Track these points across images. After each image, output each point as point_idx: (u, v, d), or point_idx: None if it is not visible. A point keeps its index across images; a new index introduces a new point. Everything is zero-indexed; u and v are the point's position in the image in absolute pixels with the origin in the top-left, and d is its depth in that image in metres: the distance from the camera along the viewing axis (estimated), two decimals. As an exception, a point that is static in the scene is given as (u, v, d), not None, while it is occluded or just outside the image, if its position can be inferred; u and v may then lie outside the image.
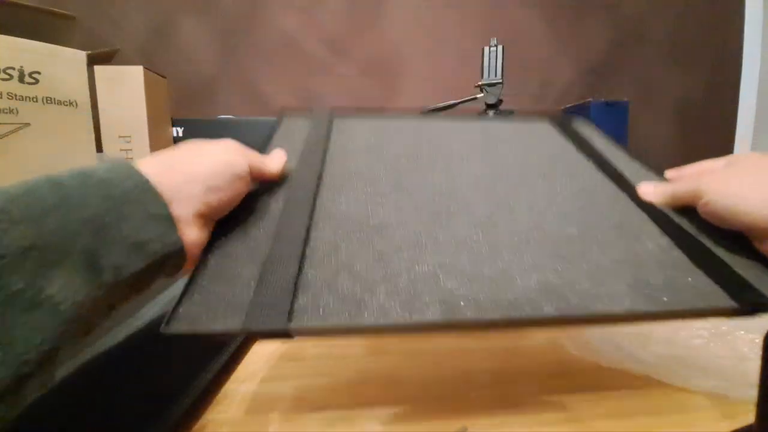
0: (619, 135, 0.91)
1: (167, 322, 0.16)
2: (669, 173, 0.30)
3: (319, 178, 0.28)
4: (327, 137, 0.35)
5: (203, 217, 0.20)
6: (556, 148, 0.36)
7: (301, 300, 0.18)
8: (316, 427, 0.25)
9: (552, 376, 0.33)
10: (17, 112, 0.50)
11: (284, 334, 0.17)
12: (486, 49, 0.77)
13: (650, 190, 0.28)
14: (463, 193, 0.28)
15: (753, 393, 0.21)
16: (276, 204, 0.25)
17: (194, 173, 0.20)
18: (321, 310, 0.17)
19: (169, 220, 0.18)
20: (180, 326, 0.16)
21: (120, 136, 0.65)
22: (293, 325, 0.16)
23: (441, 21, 1.06)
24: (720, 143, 1.15)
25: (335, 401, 0.27)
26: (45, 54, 0.52)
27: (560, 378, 0.32)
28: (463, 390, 0.24)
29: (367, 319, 0.17)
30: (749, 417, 0.21)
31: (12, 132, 0.50)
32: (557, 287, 0.19)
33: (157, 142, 0.69)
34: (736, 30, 1.13)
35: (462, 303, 0.18)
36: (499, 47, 0.77)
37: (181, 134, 0.78)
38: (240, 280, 0.19)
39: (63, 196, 0.16)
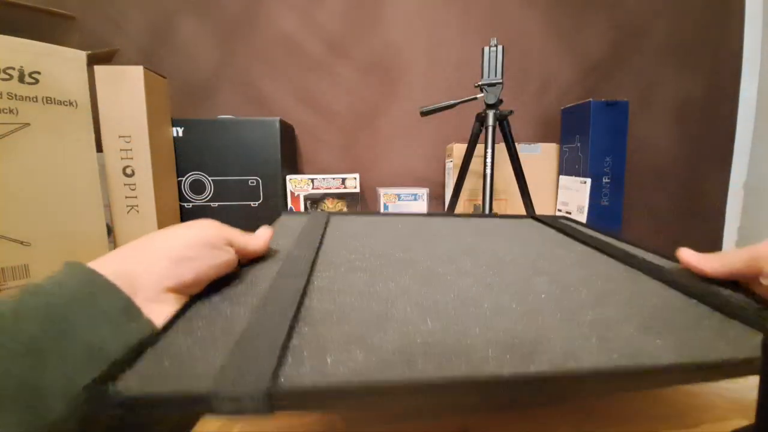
0: (619, 135, 0.91)
1: (107, 379, 0.13)
2: (687, 257, 0.28)
3: (315, 256, 0.28)
4: (324, 226, 0.37)
5: (177, 291, 0.19)
6: (544, 234, 0.40)
7: (290, 359, 0.15)
8: (317, 426, 0.25)
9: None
10: (17, 112, 0.50)
11: (264, 406, 0.13)
12: (486, 49, 0.77)
13: (695, 258, 0.26)
14: (459, 258, 0.29)
15: (753, 393, 0.21)
16: (266, 281, 0.23)
17: (160, 249, 0.19)
18: (313, 368, 0.15)
19: (127, 309, 0.16)
20: (130, 385, 0.13)
21: (120, 136, 0.65)
22: (279, 386, 0.13)
23: (441, 21, 1.06)
24: (720, 143, 1.15)
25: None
26: (45, 54, 0.52)
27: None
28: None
29: (370, 375, 0.14)
30: (749, 417, 0.21)
31: (12, 132, 0.50)
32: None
33: (157, 142, 0.69)
34: (736, 30, 1.13)
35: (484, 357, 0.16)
36: (499, 47, 0.77)
37: (181, 134, 0.78)
38: (215, 341, 0.16)
39: None
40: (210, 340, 0.16)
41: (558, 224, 0.42)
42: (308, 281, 0.23)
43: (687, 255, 0.27)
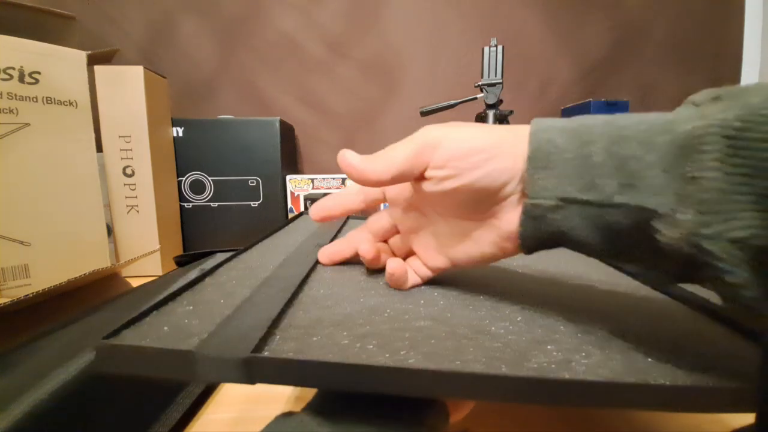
0: (619, 135, 0.91)
1: (110, 334, 0.14)
2: (348, 160, 0.23)
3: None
4: (341, 226, 0.38)
5: None
6: None
7: (277, 335, 0.16)
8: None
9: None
10: (17, 112, 0.50)
11: (244, 373, 0.14)
12: (486, 49, 0.77)
13: (357, 161, 0.22)
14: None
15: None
16: (270, 269, 0.24)
17: None
18: (297, 344, 0.15)
19: None
20: (125, 338, 0.14)
21: (120, 136, 0.65)
22: (259, 354, 0.14)
23: (441, 21, 1.06)
24: (720, 143, 1.15)
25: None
26: (45, 54, 0.52)
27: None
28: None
29: (350, 358, 0.14)
30: (749, 417, 0.21)
31: (12, 132, 0.50)
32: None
33: (157, 142, 0.69)
34: (736, 30, 1.13)
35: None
36: (499, 47, 0.77)
37: (181, 134, 0.78)
38: (213, 315, 0.17)
39: None
40: (208, 314, 0.17)
41: None
42: (311, 270, 0.24)
43: (349, 158, 0.21)
